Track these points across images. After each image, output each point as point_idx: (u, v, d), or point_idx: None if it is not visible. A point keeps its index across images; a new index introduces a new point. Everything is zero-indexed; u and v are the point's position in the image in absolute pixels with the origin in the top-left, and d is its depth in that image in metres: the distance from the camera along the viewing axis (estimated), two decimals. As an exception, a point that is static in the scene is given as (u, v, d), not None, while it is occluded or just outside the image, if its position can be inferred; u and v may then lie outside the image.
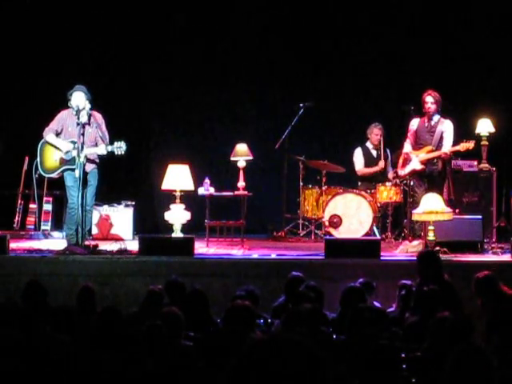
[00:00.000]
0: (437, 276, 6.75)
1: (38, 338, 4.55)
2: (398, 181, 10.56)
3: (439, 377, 4.03)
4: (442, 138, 9.50)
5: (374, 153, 11.20)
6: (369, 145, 11.22)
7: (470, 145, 9.45)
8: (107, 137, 8.93)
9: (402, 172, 9.85)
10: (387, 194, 10.53)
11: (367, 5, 11.91)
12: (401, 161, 9.83)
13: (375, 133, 11.10)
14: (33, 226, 11.18)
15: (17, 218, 11.18)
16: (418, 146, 9.61)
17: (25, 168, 11.18)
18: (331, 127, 12.07)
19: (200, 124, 12.27)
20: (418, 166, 9.53)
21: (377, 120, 11.13)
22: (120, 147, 8.84)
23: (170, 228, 9.69)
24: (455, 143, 9.49)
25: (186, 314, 5.34)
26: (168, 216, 9.67)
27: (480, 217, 9.53)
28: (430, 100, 9.44)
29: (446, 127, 9.50)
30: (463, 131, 10.47)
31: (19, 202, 11.26)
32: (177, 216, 9.62)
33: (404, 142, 9.77)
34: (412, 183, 10.03)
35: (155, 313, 5.56)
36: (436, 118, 9.53)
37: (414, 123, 9.66)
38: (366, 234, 10.24)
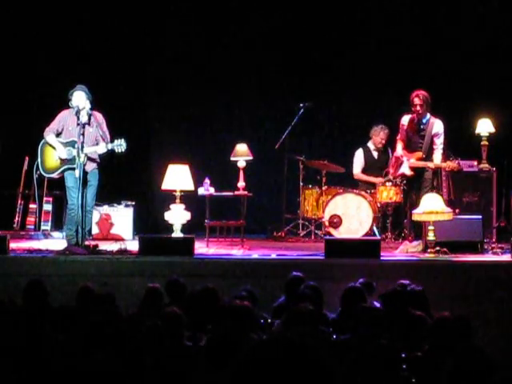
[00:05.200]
0: None
1: (38, 337, 4.55)
2: (398, 181, 10.56)
3: (439, 377, 4.03)
4: (432, 141, 9.45)
5: (376, 154, 11.19)
6: (370, 145, 11.21)
7: (455, 166, 9.46)
8: (108, 136, 8.93)
9: (393, 172, 9.91)
10: (387, 194, 10.53)
11: (367, 5, 11.91)
12: (393, 160, 9.86)
13: (381, 136, 11.06)
14: (33, 226, 11.18)
15: (17, 218, 11.18)
16: (408, 147, 9.57)
17: (25, 168, 11.19)
18: (331, 127, 12.07)
19: (200, 124, 12.28)
20: (408, 172, 9.53)
21: (382, 121, 11.09)
22: (120, 145, 8.84)
23: (170, 228, 9.69)
24: (446, 146, 9.50)
25: (186, 313, 5.34)
26: (168, 216, 9.67)
27: (480, 217, 9.52)
28: (417, 102, 9.31)
29: (437, 129, 9.40)
30: (463, 131, 10.50)
31: (19, 201, 11.26)
32: (177, 216, 9.62)
33: (397, 137, 9.74)
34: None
35: (155, 312, 5.55)
36: (426, 118, 9.48)
37: (405, 121, 9.57)
38: (366, 234, 10.25)
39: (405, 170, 9.54)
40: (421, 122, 9.45)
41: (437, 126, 9.42)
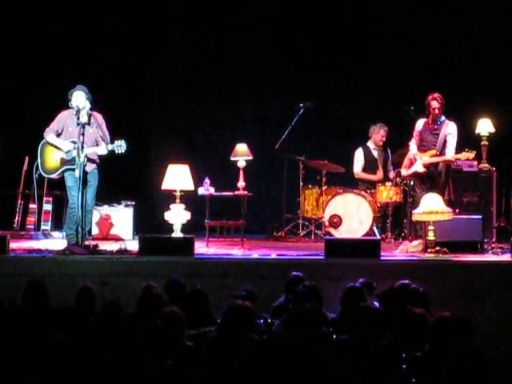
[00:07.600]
0: None
1: (37, 338, 4.55)
2: (398, 181, 10.57)
3: (439, 377, 4.03)
4: (446, 141, 9.51)
5: (376, 153, 11.20)
6: (370, 144, 11.22)
7: (471, 155, 9.51)
8: (108, 137, 8.92)
9: (405, 172, 9.87)
10: (387, 194, 10.54)
11: (367, 6, 11.91)
12: (406, 161, 9.83)
13: (381, 134, 11.09)
14: (33, 226, 11.18)
15: (17, 218, 11.18)
16: (422, 147, 9.63)
17: (25, 168, 11.19)
18: (331, 127, 12.08)
19: (200, 124, 12.28)
20: (421, 169, 9.54)
21: (381, 120, 11.10)
22: (120, 146, 8.84)
23: (170, 228, 9.69)
24: (458, 146, 9.52)
25: (186, 313, 5.33)
26: (168, 216, 9.67)
27: (480, 217, 9.52)
28: (436, 105, 9.44)
29: (451, 130, 9.51)
30: (463, 131, 10.48)
31: (19, 202, 11.26)
32: (177, 216, 9.62)
33: (409, 142, 9.77)
34: (412, 183, 10.04)
35: (153, 311, 5.54)
36: (441, 119, 9.55)
37: (420, 124, 9.67)
38: (366, 234, 10.25)
39: (417, 168, 9.56)
40: (436, 123, 9.53)
41: (451, 127, 9.54)
